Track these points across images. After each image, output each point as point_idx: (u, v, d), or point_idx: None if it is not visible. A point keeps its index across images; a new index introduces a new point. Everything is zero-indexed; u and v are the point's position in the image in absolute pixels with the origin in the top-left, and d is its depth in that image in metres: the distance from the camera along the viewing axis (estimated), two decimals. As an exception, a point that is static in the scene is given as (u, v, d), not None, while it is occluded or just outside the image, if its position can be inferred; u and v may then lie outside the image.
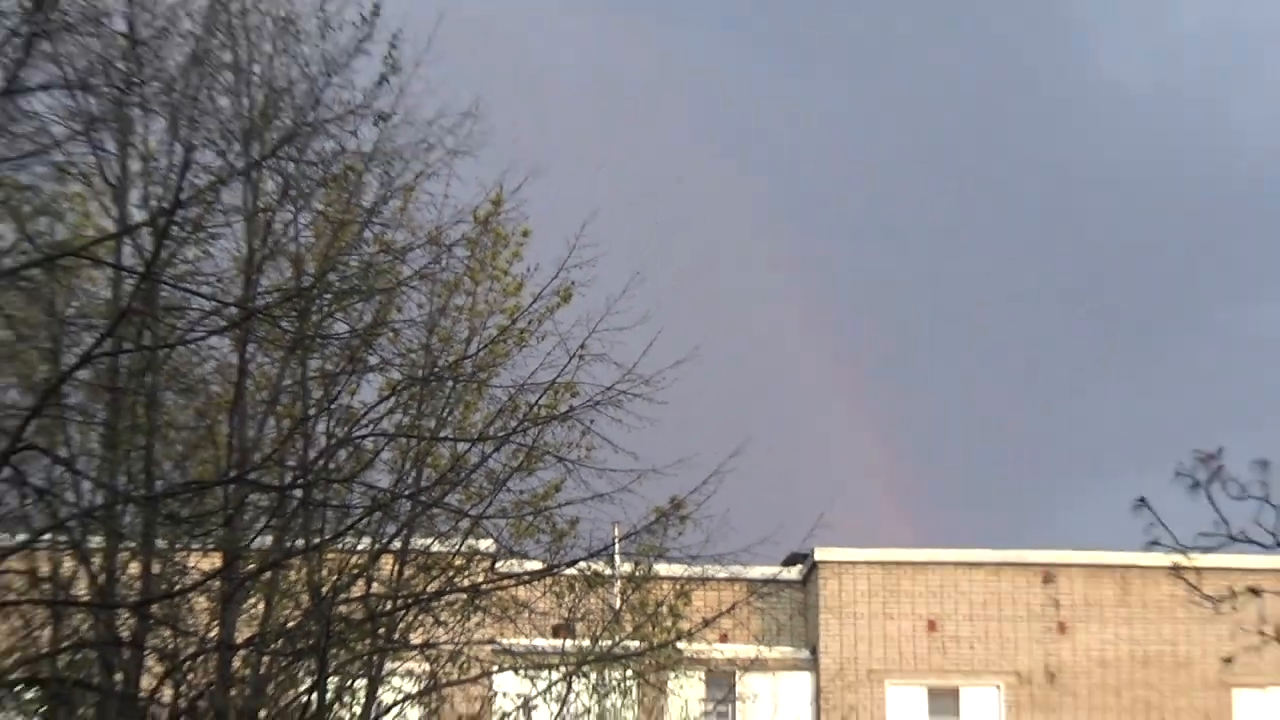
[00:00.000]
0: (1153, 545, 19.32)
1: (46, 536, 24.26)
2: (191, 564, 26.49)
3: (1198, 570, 19.52)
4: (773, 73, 70.34)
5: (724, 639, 43.49)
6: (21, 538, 23.96)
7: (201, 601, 26.39)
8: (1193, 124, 69.68)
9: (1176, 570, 19.91)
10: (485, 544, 30.12)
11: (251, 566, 26.39)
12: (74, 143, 24.62)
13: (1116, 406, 67.49)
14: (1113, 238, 70.66)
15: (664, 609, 33.31)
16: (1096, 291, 71.49)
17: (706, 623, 33.88)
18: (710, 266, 56.95)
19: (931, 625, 55.37)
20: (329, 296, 27.61)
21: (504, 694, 31.66)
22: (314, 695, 27.20)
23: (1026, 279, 70.61)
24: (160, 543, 25.81)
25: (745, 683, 50.45)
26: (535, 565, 30.48)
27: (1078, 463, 70.29)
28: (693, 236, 57.39)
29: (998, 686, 55.24)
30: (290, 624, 27.10)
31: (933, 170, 69.16)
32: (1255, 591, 19.53)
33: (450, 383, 29.42)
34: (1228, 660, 33.83)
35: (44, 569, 25.24)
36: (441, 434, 29.18)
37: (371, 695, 28.79)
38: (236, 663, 26.25)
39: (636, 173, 58.28)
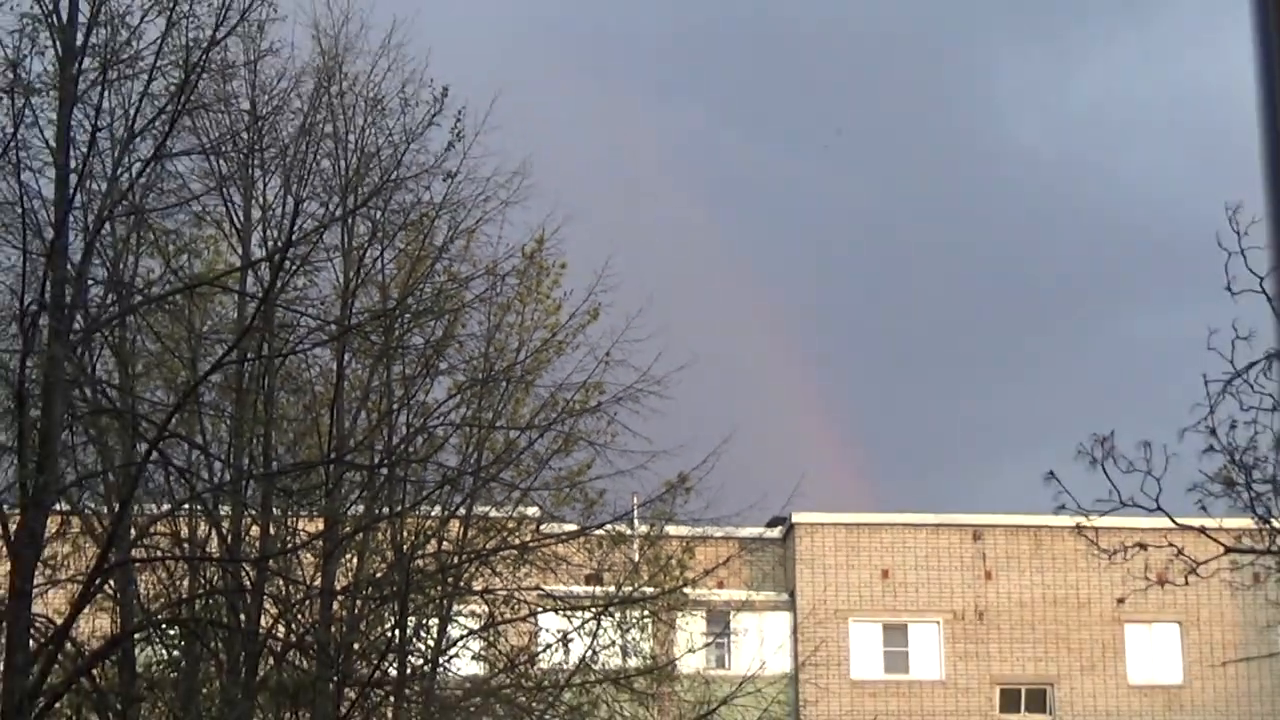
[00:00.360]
0: (1060, 509, 19.50)
1: (185, 506, 24.34)
2: (300, 527, 26.60)
3: (1095, 529, 19.63)
4: (749, 141, 70.37)
5: (720, 585, 43.61)
6: (166, 507, 24.06)
7: (308, 557, 26.48)
8: (1087, 179, 69.67)
9: (1079, 529, 20.06)
10: (532, 511, 30.26)
11: (347, 529, 26.45)
12: (208, 196, 24.89)
13: (1029, 398, 67.55)
14: (1025, 268, 70.83)
15: (673, 562, 33.31)
16: (1013, 307, 71.63)
17: (706, 573, 33.90)
18: (705, 292, 56.93)
19: (885, 574, 55.32)
20: (408, 316, 27.91)
21: (546, 630, 31.67)
22: (396, 632, 27.20)
23: (961, 300, 70.64)
24: (275, 510, 25.91)
25: (737, 620, 50.52)
26: (571, 527, 30.61)
27: (998, 443, 70.49)
28: (691, 266, 57.43)
29: (938, 623, 55.19)
30: (378, 575, 27.18)
31: (886, 214, 69.25)
32: (1142, 546, 19.57)
33: (504, 383, 29.63)
34: (1120, 601, 33.79)
35: (184, 532, 25.31)
36: (497, 424, 29.40)
37: (442, 631, 28.82)
38: (335, 606, 26.29)
39: (647, 216, 58.39)
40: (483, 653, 30.17)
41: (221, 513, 25.13)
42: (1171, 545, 19.14)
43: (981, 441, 70.02)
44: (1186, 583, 19.92)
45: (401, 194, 27.48)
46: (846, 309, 68.66)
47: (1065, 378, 65.02)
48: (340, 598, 26.42)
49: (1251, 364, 17.37)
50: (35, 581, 20.35)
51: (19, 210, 20.76)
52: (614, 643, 31.66)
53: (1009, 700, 54.96)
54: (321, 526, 26.44)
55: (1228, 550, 19.41)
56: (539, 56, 56.97)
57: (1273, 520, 18.76)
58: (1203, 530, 19.48)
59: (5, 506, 20.65)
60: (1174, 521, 19.20)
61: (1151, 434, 19.06)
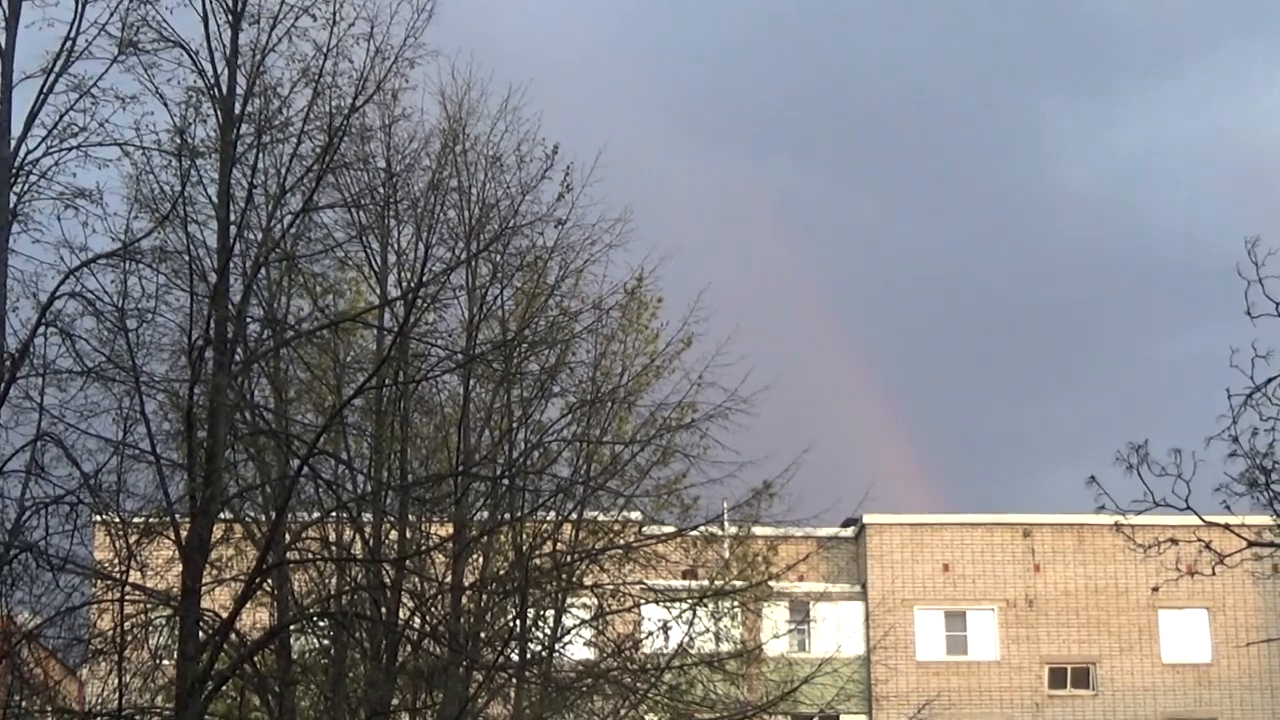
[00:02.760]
0: (1101, 509, 19.23)
1: (333, 514, 24.38)
2: (432, 531, 26.63)
3: (1132, 526, 19.42)
4: (831, 191, 70.32)
5: (801, 579, 43.47)
6: (316, 515, 24.11)
7: (439, 557, 26.48)
8: (1127, 217, 69.28)
9: (1117, 527, 19.77)
10: (635, 515, 30.18)
11: (473, 533, 26.46)
12: (350, 244, 24.99)
13: (1073, 411, 67.17)
14: (1070, 296, 70.40)
15: (759, 559, 33.20)
16: (1061, 332, 71.28)
17: (789, 568, 33.94)
18: (788, 321, 56.82)
19: (946, 567, 55.11)
20: (525, 346, 27.95)
21: (649, 619, 31.59)
22: (517, 622, 27.20)
23: (1013, 326, 70.38)
24: (411, 517, 25.98)
25: (816, 609, 50.35)
26: (669, 529, 30.56)
27: (1045, 451, 70.15)
28: (775, 298, 57.43)
29: (993, 610, 54.95)
30: (501, 572, 27.19)
31: (949, 252, 69.09)
32: (1174, 541, 19.35)
33: (609, 404, 29.62)
34: (1155, 590, 33.33)
35: (331, 536, 25.35)
36: (603, 440, 29.41)
37: (557, 621, 28.80)
38: (464, 600, 26.32)
39: (737, 256, 58.39)
40: (593, 640, 30.16)
41: (364, 519, 25.20)
42: (1200, 540, 18.98)
43: (1030, 450, 69.81)
44: (1213, 573, 19.78)
45: (518, 239, 27.79)
46: (913, 335, 68.60)
47: (1105, 393, 64.79)
48: (468, 593, 26.48)
49: (1270, 379, 17.37)
50: (203, 581, 20.42)
51: (186, 258, 20.86)
52: (708, 630, 31.61)
53: (1056, 678, 54.66)
54: (451, 530, 26.48)
55: (1250, 544, 19.21)
56: (645, 116, 57.12)
57: (1292, 517, 18.60)
58: (1228, 527, 19.32)
59: (177, 516, 20.74)
60: (1202, 519, 19.01)
61: (1181, 442, 18.93)
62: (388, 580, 24.92)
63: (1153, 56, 71.70)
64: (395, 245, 26.48)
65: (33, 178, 19.95)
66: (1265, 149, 64.01)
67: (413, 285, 25.06)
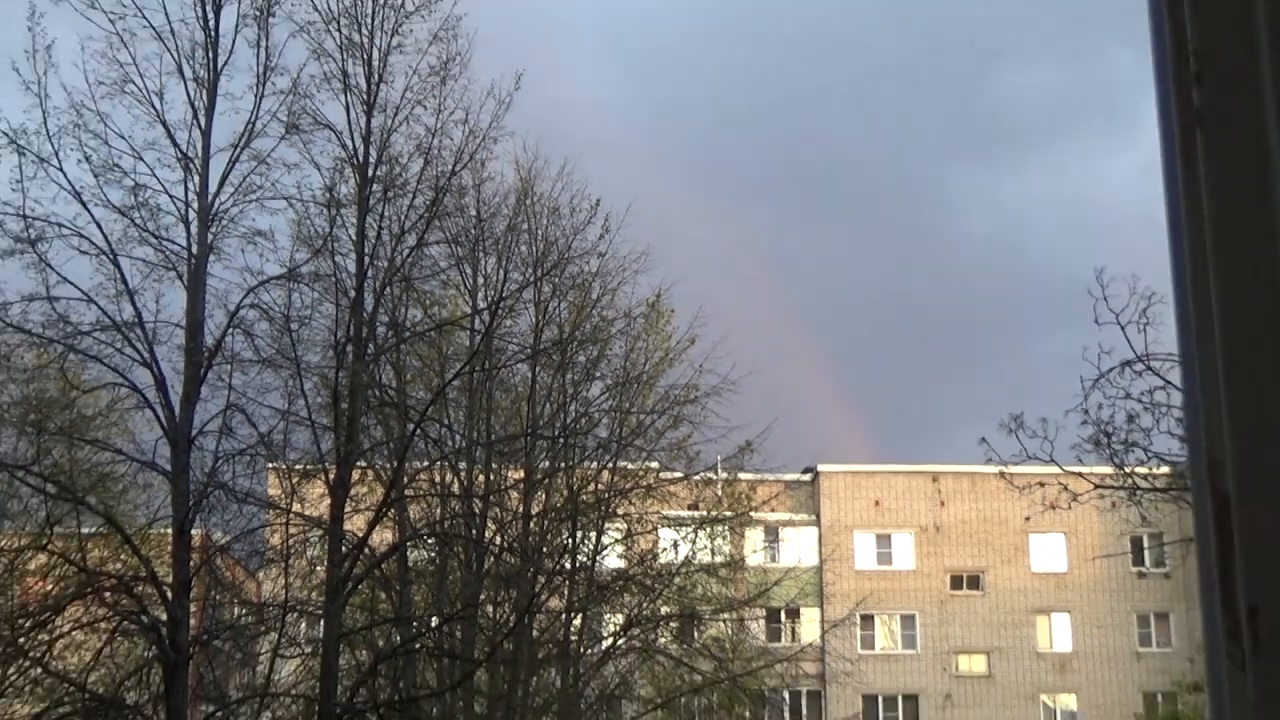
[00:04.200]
0: (989, 460, 19.33)
1: (438, 463, 24.45)
2: (509, 475, 26.68)
3: (1011, 473, 19.45)
4: (800, 233, 70.36)
5: (772, 510, 43.19)
6: (425, 464, 24.19)
7: (514, 494, 26.52)
8: (1012, 252, 69.28)
9: (1001, 474, 19.81)
10: (654, 464, 30.12)
11: (538, 477, 26.51)
12: (450, 270, 25.01)
13: (971, 391, 67.09)
14: (971, 308, 70.34)
15: (742, 496, 33.14)
16: (964, 333, 71.06)
17: (764, 503, 33.76)
18: (766, 326, 56.84)
19: (877, 503, 54.90)
20: (575, 344, 27.91)
21: (664, 539, 31.51)
22: (569, 540, 27.26)
23: (930, 330, 70.37)
24: (494, 465, 26.02)
25: (783, 533, 50.38)
26: (679, 475, 30.55)
27: (950, 419, 69.89)
28: (757, 310, 57.45)
29: (910, 533, 54.79)
30: (558, 505, 27.21)
31: (885, 276, 69.06)
32: (1041, 484, 19.38)
33: (635, 385, 29.59)
34: (1027, 519, 33.29)
35: (437, 479, 25.33)
36: (631, 411, 29.35)
37: (598, 540, 28.78)
38: (531, 525, 26.36)
39: (730, 279, 58.38)
40: (623, 553, 30.13)
41: (460, 467, 25.26)
42: (1060, 484, 19.02)
43: (940, 418, 69.64)
44: (1069, 507, 19.84)
45: (570, 267, 27.89)
46: (856, 336, 68.48)
47: (996, 378, 64.62)
48: (534, 520, 26.51)
49: (1110, 369, 17.44)
50: (344, 510, 20.51)
51: (333, 280, 20.97)
52: (706, 547, 31.58)
53: (956, 582, 54.51)
54: (522, 475, 26.53)
55: (1096, 487, 19.25)
56: (663, 177, 57.27)
57: (1125, 468, 18.59)
58: (1079, 474, 19.36)
59: (326, 464, 20.81)
60: (1061, 468, 19.06)
61: (1047, 413, 19.05)
62: (477, 510, 25.04)
63: (1029, 134, 71.60)
64: (483, 271, 26.63)
65: (224, 222, 20.05)
66: (1108, 203, 63.92)
67: (495, 300, 25.16)
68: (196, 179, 19.84)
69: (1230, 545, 1.03)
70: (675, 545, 30.76)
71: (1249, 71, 1.14)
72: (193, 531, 19.47)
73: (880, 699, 52.13)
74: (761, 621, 38.77)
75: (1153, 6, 1.20)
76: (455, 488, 25.02)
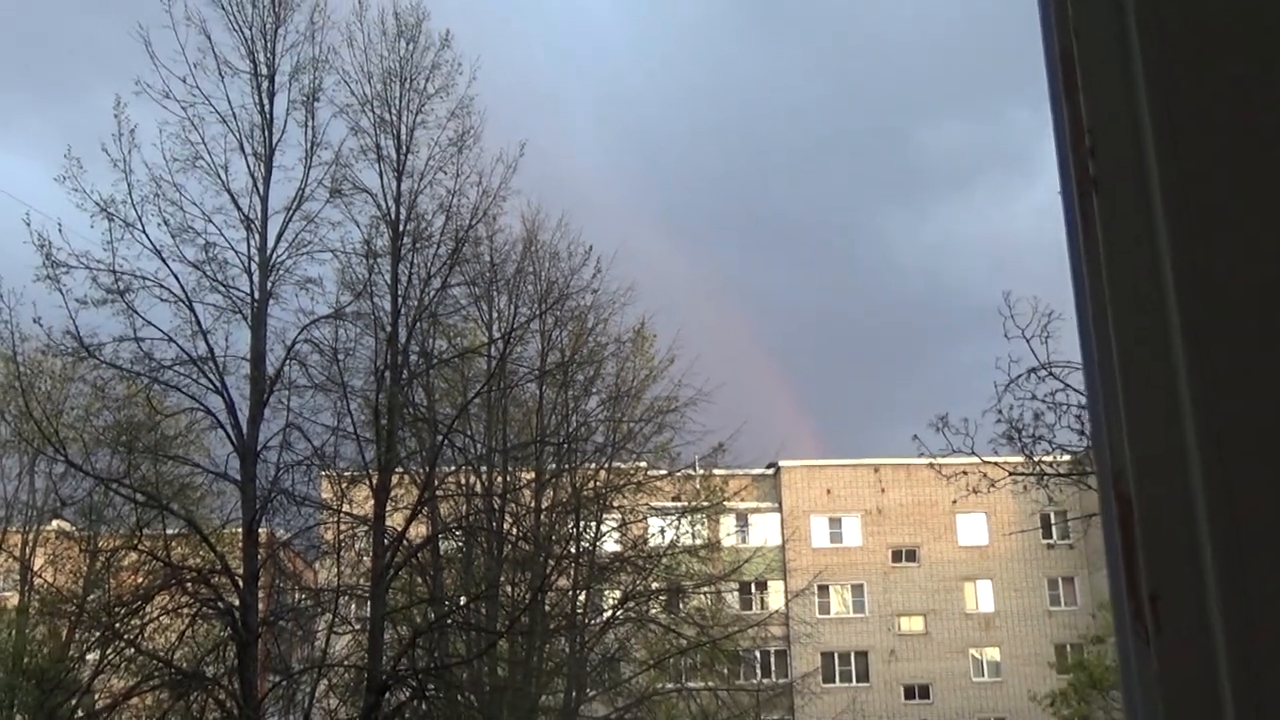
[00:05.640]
0: (921, 454, 19.23)
1: (462, 467, 24.33)
2: (522, 476, 26.55)
3: (940, 464, 19.39)
4: (759, 267, 70.33)
5: (742, 500, 43.15)
6: (452, 469, 24.06)
7: (526, 492, 26.39)
8: (933, 279, 69.32)
9: (932, 465, 19.74)
10: (642, 464, 30.03)
11: (547, 476, 26.41)
12: (470, 306, 24.91)
13: (905, 394, 67.06)
14: (903, 324, 70.28)
15: (716, 488, 33.06)
16: (898, 346, 71.02)
17: (735, 494, 33.71)
18: (731, 347, 56.77)
19: (828, 491, 54.80)
20: (575, 365, 27.80)
21: (652, 527, 31.41)
22: (574, 528, 27.15)
23: (865, 344, 70.27)
24: (509, 468, 25.89)
25: (751, 519, 50.26)
26: (663, 472, 30.45)
27: (888, 419, 69.65)
28: (726, 333, 57.36)
29: (857, 516, 54.69)
30: (564, 499, 27.11)
31: (826, 299, 69.07)
32: (965, 473, 19.30)
33: (625, 398, 29.54)
34: (954, 502, 33.22)
35: (462, 480, 25.15)
36: (622, 419, 29.24)
37: (597, 528, 28.63)
38: (541, 517, 26.24)
39: (702, 308, 58.33)
40: (619, 539, 30.05)
41: (481, 470, 25.15)
42: (980, 472, 18.92)
43: (879, 418, 69.48)
44: (989, 491, 19.65)
45: (569, 302, 27.62)
46: (807, 352, 68.39)
47: (925, 383, 64.48)
48: (544, 512, 26.39)
49: (1017, 376, 17.40)
50: (385, 509, 20.44)
51: (372, 318, 20.96)
52: (688, 531, 31.48)
53: (896, 556, 54.38)
54: (533, 475, 26.41)
55: (1010, 474, 19.13)
56: (645, 225, 57.31)
57: (1033, 457, 18.54)
58: (996, 464, 19.28)
59: (369, 471, 20.74)
60: (981, 459, 18.97)
61: (968, 413, 19.02)
62: (496, 506, 24.93)
63: (946, 181, 71.74)
64: (496, 307, 26.49)
65: (280, 272, 20.08)
66: (1011, 236, 63.92)
67: (507, 331, 25.06)
68: (257, 236, 19.96)
69: (1133, 541, 1.03)
70: (662, 531, 30.67)
71: (1133, 146, 1.16)
72: (259, 530, 19.43)
73: (836, 655, 52.03)
74: (735, 593, 38.66)
75: (1053, 93, 1.21)
76: (478, 488, 24.93)
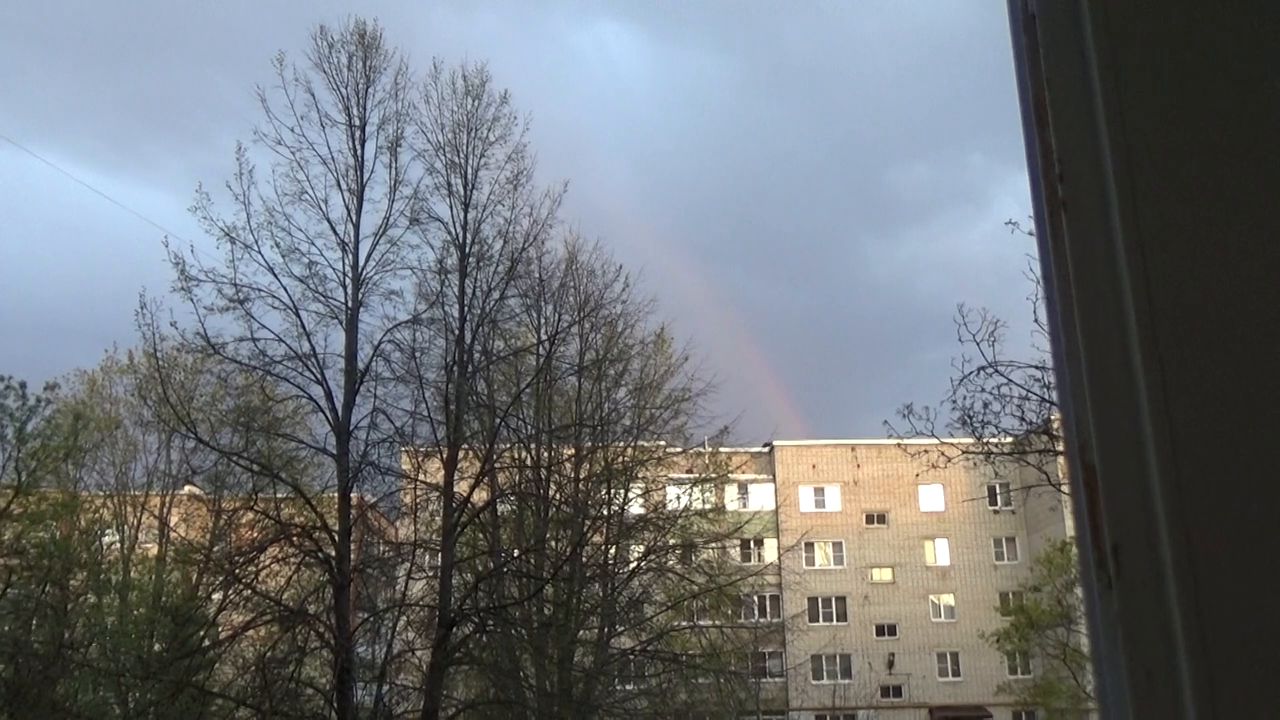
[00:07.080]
0: (890, 435, 19.04)
1: (517, 444, 24.22)
2: (564, 451, 26.44)
3: (906, 445, 19.20)
4: (759, 282, 69.96)
5: (743, 473, 42.96)
6: (507, 445, 23.90)
7: (568, 465, 26.31)
8: (905, 292, 68.85)
9: (899, 445, 19.54)
10: (662, 443, 29.91)
11: (585, 452, 26.28)
12: (524, 314, 24.73)
13: (877, 386, 66.60)
14: (877, 329, 69.82)
15: (722, 463, 32.89)
16: (873, 348, 70.55)
17: (737, 468, 33.54)
18: (736, 346, 56.57)
19: (814, 466, 54.59)
20: (608, 361, 27.58)
21: (670, 494, 31.30)
22: (607, 495, 27.04)
23: (847, 343, 69.87)
24: (553, 444, 25.76)
25: (750, 488, 50.06)
26: (679, 450, 30.32)
27: (864, 407, 69.30)
28: (728, 336, 57.18)
29: (837, 486, 54.44)
30: (598, 470, 27.01)
31: (812, 308, 68.66)
32: (926, 451, 19.12)
33: (648, 389, 29.35)
34: (917, 475, 33.01)
35: (516, 455, 25.07)
36: (645, 407, 29.08)
37: (625, 494, 28.50)
38: (580, 484, 26.12)
39: (711, 317, 58.12)
40: (643, 504, 29.95)
41: (531, 447, 25.09)
42: (939, 451, 18.75)
43: (856, 406, 69.12)
44: (946, 467, 19.42)
45: (602, 310, 27.30)
46: (797, 352, 68.10)
47: (893, 378, 64.09)
48: (582, 481, 26.31)
49: (970, 372, 17.25)
50: (454, 478, 20.46)
51: (444, 323, 20.97)
52: (698, 498, 31.34)
53: (869, 519, 54.13)
54: (573, 452, 26.31)
55: (963, 453, 19.00)
56: (665, 246, 57.19)
57: (982, 439, 18.37)
58: (952, 444, 19.12)
59: (441, 446, 20.77)
60: (939, 440, 18.80)
61: (929, 402, 19.00)
62: (543, 477, 24.89)
63: (914, 212, 71.37)
64: (543, 314, 26.30)
65: (369, 285, 20.16)
66: (967, 258, 63.57)
67: (552, 334, 24.98)
68: (350, 256, 20.07)
69: (1097, 502, 1.01)
70: (678, 498, 30.55)
71: (1095, 172, 1.13)
72: (351, 495, 19.55)
73: (820, 600, 51.87)
74: (737, 548, 38.58)
75: (1026, 125, 1.19)
76: (528, 461, 24.90)
